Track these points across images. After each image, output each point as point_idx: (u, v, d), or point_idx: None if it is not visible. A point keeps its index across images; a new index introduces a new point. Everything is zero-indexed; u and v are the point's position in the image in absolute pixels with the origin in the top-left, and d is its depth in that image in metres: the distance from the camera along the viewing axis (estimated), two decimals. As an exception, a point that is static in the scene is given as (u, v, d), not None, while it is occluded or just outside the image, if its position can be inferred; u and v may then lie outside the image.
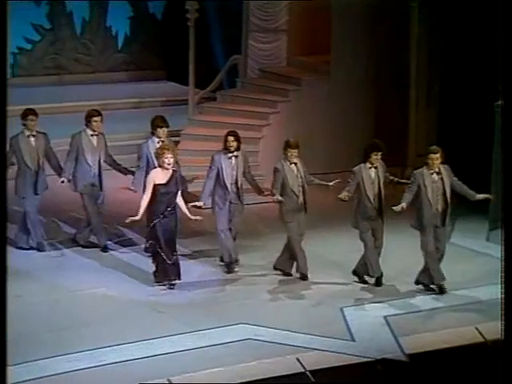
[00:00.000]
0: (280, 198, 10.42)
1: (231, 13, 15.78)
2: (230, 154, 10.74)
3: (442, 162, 10.23)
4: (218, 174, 10.70)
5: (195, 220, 10.38)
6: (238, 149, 10.78)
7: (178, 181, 10.23)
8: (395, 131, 14.26)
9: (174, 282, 10.31)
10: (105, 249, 11.42)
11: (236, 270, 10.89)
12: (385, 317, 9.95)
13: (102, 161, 11.34)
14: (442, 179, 10.20)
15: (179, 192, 10.25)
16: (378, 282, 10.56)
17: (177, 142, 13.98)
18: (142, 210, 10.12)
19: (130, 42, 17.65)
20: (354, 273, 10.69)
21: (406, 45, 14.06)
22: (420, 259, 10.41)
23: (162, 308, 10.01)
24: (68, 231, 11.93)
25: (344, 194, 10.31)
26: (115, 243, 11.61)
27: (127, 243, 11.64)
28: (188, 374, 8.70)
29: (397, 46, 14.17)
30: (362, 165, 10.43)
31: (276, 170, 10.51)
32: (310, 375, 8.84)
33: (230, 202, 10.77)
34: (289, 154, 10.49)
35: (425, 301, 10.34)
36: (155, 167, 10.58)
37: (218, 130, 14.00)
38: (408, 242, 10.77)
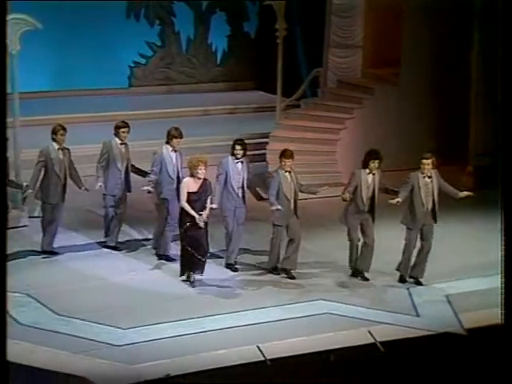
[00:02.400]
0: (279, 206, 10.00)
1: (314, 31, 15.67)
2: (237, 160, 10.27)
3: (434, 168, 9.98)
4: (225, 179, 10.21)
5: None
6: (243, 156, 10.31)
7: (208, 188, 9.85)
8: (457, 134, 13.96)
9: (198, 276, 9.93)
10: (115, 248, 10.72)
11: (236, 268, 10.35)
12: (446, 295, 9.79)
13: (129, 166, 10.74)
14: (432, 182, 9.96)
15: (209, 198, 9.86)
16: (355, 274, 10.16)
17: (265, 143, 14.02)
18: (193, 212, 9.70)
19: (228, 57, 17.66)
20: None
21: (468, 55, 13.69)
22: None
23: (250, 286, 9.96)
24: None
25: (346, 195, 10.01)
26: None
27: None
28: (274, 342, 8.70)
29: (460, 57, 13.83)
30: (362, 169, 10.13)
31: (272, 177, 10.18)
32: (379, 346, 8.75)
33: (235, 207, 10.29)
34: (282, 164, 10.11)
35: (482, 282, 10.10)
36: (167, 172, 10.36)
37: (301, 132, 14.09)
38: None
